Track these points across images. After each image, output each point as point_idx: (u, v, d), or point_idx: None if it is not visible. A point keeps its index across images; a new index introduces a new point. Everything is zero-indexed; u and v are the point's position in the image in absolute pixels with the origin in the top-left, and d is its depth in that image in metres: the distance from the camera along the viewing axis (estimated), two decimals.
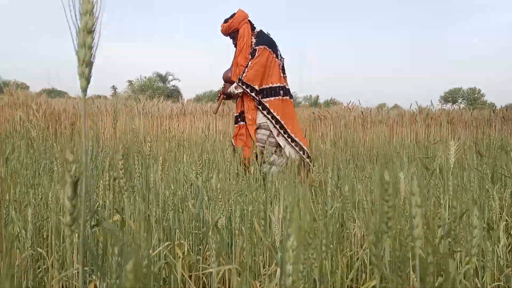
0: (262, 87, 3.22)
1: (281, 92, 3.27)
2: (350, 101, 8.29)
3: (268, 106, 3.20)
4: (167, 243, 1.36)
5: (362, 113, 7.31)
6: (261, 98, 3.21)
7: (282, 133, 3.19)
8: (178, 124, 6.76)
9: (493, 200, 1.81)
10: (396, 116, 7.37)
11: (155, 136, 6.35)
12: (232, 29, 3.27)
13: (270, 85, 3.23)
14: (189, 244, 1.45)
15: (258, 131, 3.24)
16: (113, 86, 39.59)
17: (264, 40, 3.27)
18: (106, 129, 6.20)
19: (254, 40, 3.27)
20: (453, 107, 9.68)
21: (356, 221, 1.83)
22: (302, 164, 3.21)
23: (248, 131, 3.21)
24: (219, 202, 1.17)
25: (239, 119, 3.30)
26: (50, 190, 2.17)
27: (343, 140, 5.46)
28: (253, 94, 3.18)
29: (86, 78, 0.41)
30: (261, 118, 3.23)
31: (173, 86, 44.09)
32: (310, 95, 52.68)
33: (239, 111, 3.31)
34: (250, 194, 1.75)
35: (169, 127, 6.56)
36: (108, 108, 6.59)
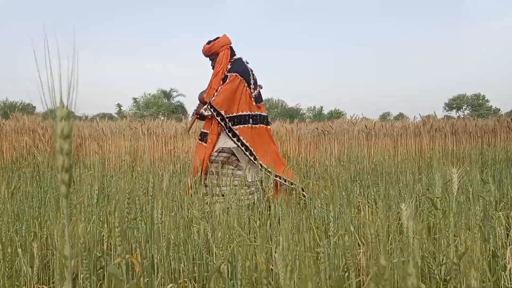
0: (233, 115, 3.27)
1: (250, 120, 3.31)
2: (354, 114, 8.29)
3: (238, 133, 3.24)
4: (170, 285, 1.36)
5: (366, 126, 7.31)
6: (232, 126, 3.23)
7: (252, 159, 3.21)
8: (183, 144, 6.79)
9: (498, 224, 1.80)
10: (400, 129, 7.36)
11: (159, 157, 6.39)
12: (213, 51, 3.36)
13: (240, 113, 3.28)
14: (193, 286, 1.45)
15: (220, 154, 3.26)
16: (118, 104, 39.84)
17: (238, 67, 3.33)
18: (111, 152, 6.24)
19: (229, 67, 3.35)
20: (457, 114, 9.66)
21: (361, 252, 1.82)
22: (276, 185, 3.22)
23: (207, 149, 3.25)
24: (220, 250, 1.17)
25: (204, 138, 3.35)
26: (55, 224, 2.19)
27: (347, 157, 5.46)
28: (218, 118, 3.22)
29: (66, 185, 0.42)
30: (227, 144, 3.25)
31: (178, 102, 44.30)
32: (314, 106, 52.82)
33: (206, 129, 3.35)
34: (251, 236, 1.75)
35: (174, 147, 6.59)
36: (113, 131, 6.64)
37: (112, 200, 2.40)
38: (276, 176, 3.20)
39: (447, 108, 43.07)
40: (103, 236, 2.21)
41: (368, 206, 2.61)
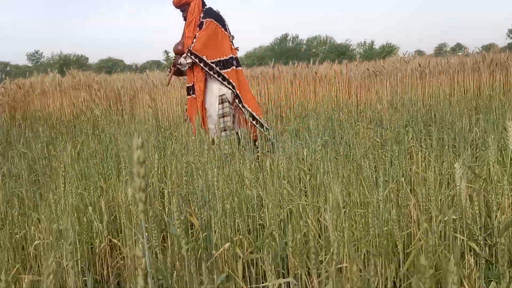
0: (219, 59, 3.33)
1: (234, 62, 3.40)
2: (407, 51, 7.89)
3: (227, 77, 3.32)
4: (227, 244, 1.45)
5: (420, 65, 6.96)
6: (220, 70, 3.31)
7: (237, 102, 3.34)
8: None
9: None
10: (457, 65, 6.93)
11: None
12: (183, 2, 3.39)
13: (225, 57, 3.35)
14: (248, 240, 1.55)
15: (224, 105, 3.35)
16: (165, 50, 40.15)
17: (211, 14, 3.40)
18: (163, 104, 6.42)
19: (202, 15, 3.40)
20: None
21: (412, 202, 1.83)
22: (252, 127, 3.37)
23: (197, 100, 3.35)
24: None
25: (191, 91, 3.42)
26: (118, 184, 2.36)
27: (399, 99, 5.28)
28: (201, 64, 3.28)
29: (143, 202, 0.47)
30: (222, 90, 3.34)
31: None
32: (364, 41, 50.51)
33: (192, 82, 3.40)
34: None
35: None
36: (162, 82, 6.78)
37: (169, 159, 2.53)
38: (258, 122, 3.39)
39: (511, 35, 39.67)
40: (162, 190, 2.36)
41: (421, 152, 2.56)
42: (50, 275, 0.41)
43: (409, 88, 6.52)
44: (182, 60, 3.36)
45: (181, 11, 3.46)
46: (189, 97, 3.47)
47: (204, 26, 3.32)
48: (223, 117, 3.34)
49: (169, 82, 4.00)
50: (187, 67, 3.39)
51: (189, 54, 3.29)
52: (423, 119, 3.88)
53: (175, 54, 3.49)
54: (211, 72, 3.28)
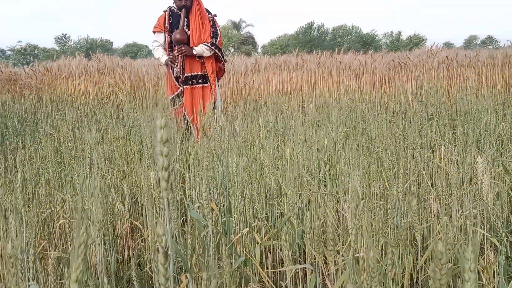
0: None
1: None
2: (434, 43, 7.72)
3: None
4: (246, 229, 1.48)
5: (447, 57, 6.80)
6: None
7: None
8: (253, 81, 6.83)
9: None
10: (486, 58, 6.74)
11: (230, 95, 6.52)
12: None
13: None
14: (266, 227, 1.56)
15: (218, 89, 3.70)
16: None
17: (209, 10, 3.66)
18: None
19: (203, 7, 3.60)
20: None
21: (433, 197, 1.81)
22: None
23: (213, 89, 3.59)
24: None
25: (200, 80, 3.57)
26: (140, 168, 2.40)
27: (424, 92, 5.18)
28: (224, 58, 3.68)
29: (166, 180, 0.48)
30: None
31: (247, 32, 43.81)
32: (391, 32, 49.52)
33: (201, 72, 3.57)
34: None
35: (244, 84, 6.67)
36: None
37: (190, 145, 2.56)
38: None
39: None
40: (183, 175, 2.40)
41: (443, 146, 2.53)
42: (81, 246, 0.43)
43: (435, 81, 6.38)
44: (204, 51, 3.50)
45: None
46: (189, 87, 3.56)
47: (216, 21, 3.61)
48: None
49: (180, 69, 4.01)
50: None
51: (213, 47, 3.51)
52: (447, 113, 3.81)
53: (176, 42, 3.50)
54: (224, 65, 3.72)
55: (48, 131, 3.61)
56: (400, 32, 48.78)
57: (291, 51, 7.68)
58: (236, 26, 44.10)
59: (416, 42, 43.26)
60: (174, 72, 3.57)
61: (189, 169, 2.18)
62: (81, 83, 6.93)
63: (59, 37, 51.64)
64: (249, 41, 43.01)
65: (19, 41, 47.41)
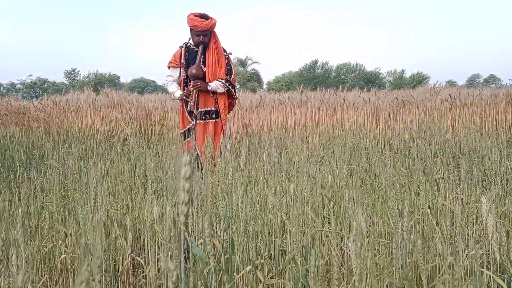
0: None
1: None
2: (437, 81, 7.80)
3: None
4: (249, 267, 1.46)
5: (450, 96, 6.86)
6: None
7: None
8: (257, 117, 6.91)
9: None
10: (489, 97, 6.80)
11: (235, 130, 6.57)
12: (210, 28, 3.57)
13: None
14: (269, 265, 1.54)
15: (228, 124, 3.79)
16: None
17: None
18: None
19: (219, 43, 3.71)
20: None
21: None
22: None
23: (222, 125, 3.68)
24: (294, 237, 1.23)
25: (213, 115, 3.66)
26: (144, 203, 2.40)
27: (428, 129, 5.20)
28: (236, 94, 3.78)
29: (185, 216, 0.49)
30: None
31: (253, 69, 44.59)
32: (395, 70, 50.21)
33: (213, 107, 3.65)
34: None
35: (249, 120, 6.73)
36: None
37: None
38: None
39: None
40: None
41: (448, 184, 2.51)
42: (83, 284, 0.43)
43: (438, 119, 6.42)
44: (219, 87, 3.61)
45: (203, 35, 3.59)
46: (202, 122, 3.63)
47: (230, 59, 3.72)
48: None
49: (195, 105, 4.06)
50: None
51: (227, 84, 3.62)
52: (451, 151, 3.81)
53: (192, 77, 3.59)
54: (235, 101, 3.83)
55: (53, 164, 3.63)
56: (403, 70, 49.47)
57: (295, 87, 7.79)
58: (242, 63, 44.95)
59: (419, 80, 43.76)
60: (188, 106, 3.63)
61: (192, 204, 2.18)
62: (88, 117, 7.04)
63: (69, 71, 52.76)
64: (255, 77, 43.74)
65: (29, 75, 48.46)
